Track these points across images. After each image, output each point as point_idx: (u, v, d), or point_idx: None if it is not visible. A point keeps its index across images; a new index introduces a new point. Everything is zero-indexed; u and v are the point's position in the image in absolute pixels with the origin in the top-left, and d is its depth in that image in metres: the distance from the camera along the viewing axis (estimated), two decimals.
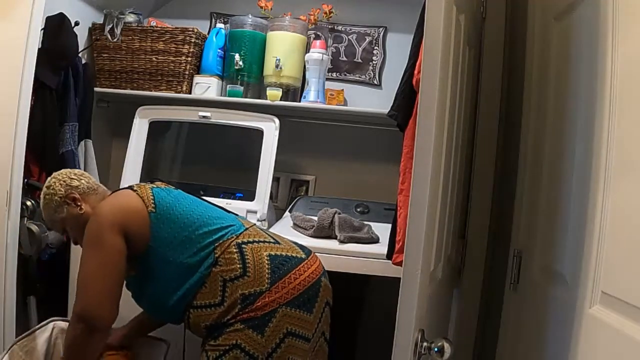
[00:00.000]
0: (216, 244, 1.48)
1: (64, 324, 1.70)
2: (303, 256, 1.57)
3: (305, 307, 1.48)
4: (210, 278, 1.46)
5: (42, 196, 1.59)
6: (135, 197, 1.51)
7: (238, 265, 1.46)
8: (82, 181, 1.59)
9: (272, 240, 1.58)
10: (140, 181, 2.33)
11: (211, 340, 1.46)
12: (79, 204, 1.55)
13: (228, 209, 1.71)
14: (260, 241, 1.54)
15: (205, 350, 1.47)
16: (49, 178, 1.61)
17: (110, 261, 1.44)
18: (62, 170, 1.63)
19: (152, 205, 1.49)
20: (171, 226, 1.48)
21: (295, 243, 1.64)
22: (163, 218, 1.48)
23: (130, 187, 1.56)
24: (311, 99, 2.36)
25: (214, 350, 1.44)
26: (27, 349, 1.59)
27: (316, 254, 1.65)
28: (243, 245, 1.50)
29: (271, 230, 2.04)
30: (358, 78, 2.58)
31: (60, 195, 1.55)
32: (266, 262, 1.48)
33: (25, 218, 1.87)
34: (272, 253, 1.51)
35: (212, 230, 1.50)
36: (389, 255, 1.58)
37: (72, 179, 1.58)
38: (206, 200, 1.66)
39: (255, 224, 1.66)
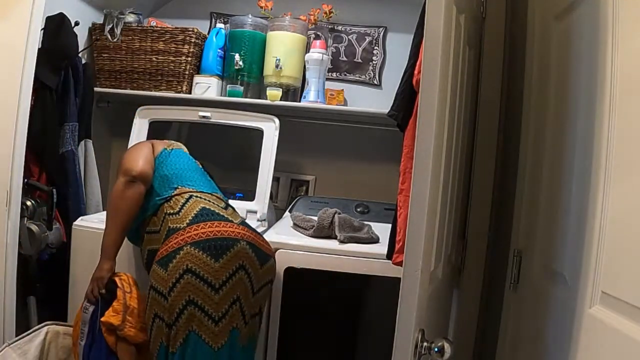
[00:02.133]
0: (177, 187, 1.77)
1: (58, 328, 1.71)
2: (234, 221, 1.73)
3: (210, 252, 1.60)
4: (159, 210, 1.73)
5: None
6: (150, 145, 1.90)
7: (178, 207, 1.72)
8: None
9: (223, 205, 1.80)
10: None
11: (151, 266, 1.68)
12: None
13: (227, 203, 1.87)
14: (208, 201, 1.76)
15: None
16: None
17: (149, 154, 1.83)
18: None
19: (158, 152, 1.85)
20: (162, 170, 1.80)
21: (246, 225, 1.79)
22: (161, 163, 1.82)
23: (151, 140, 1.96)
24: (311, 99, 2.36)
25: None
26: (21, 351, 1.59)
27: (317, 253, 1.65)
28: (192, 197, 1.75)
29: (271, 230, 2.04)
30: (358, 78, 2.58)
31: None
32: (197, 210, 1.70)
33: (25, 218, 1.87)
34: (207, 207, 1.73)
35: (183, 183, 1.79)
36: (389, 255, 1.58)
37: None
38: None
39: (233, 210, 1.86)
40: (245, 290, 1.65)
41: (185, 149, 1.97)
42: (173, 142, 1.95)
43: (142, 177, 1.73)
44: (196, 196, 1.76)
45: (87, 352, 1.65)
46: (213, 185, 1.92)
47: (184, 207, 1.71)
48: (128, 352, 1.66)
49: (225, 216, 1.73)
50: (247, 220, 2.18)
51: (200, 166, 1.96)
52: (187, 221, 1.66)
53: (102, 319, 1.63)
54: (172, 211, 1.71)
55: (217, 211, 1.73)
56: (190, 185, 1.80)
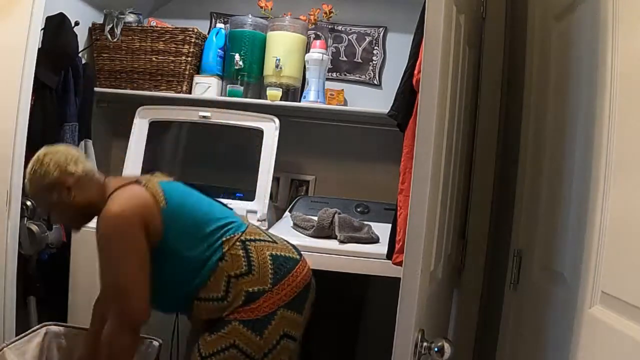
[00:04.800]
0: (223, 239, 1.49)
1: (56, 329, 1.71)
2: (298, 257, 1.59)
3: (298, 308, 1.51)
4: (216, 272, 1.46)
5: (30, 169, 1.45)
6: (147, 193, 1.46)
7: (243, 263, 1.48)
8: (79, 167, 1.47)
9: (270, 239, 1.59)
10: None
11: (207, 335, 1.47)
12: (72, 192, 1.45)
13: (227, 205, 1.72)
14: (262, 240, 1.56)
15: (201, 344, 1.47)
16: (43, 151, 1.47)
17: (146, 262, 1.40)
18: (60, 148, 1.50)
19: (163, 200, 1.46)
20: (182, 222, 1.47)
21: (288, 242, 1.65)
22: (174, 214, 1.46)
23: (137, 182, 1.49)
24: (311, 99, 2.36)
25: (210, 346, 1.45)
26: (19, 351, 1.59)
27: (317, 253, 1.65)
28: (247, 243, 1.51)
29: (271, 230, 2.04)
30: (358, 78, 2.58)
31: (53, 179, 1.43)
32: (269, 261, 1.50)
33: (25, 218, 1.87)
34: (274, 253, 1.53)
35: (220, 227, 1.51)
36: (389, 255, 1.58)
37: (68, 163, 1.46)
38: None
39: (251, 223, 1.66)
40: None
41: (167, 178, 1.59)
42: (150, 184, 1.49)
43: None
44: (248, 240, 1.52)
45: None
46: (229, 209, 1.65)
47: (252, 262, 1.48)
48: None
49: (289, 255, 1.56)
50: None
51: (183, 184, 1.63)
52: (270, 281, 1.48)
53: None
54: (239, 271, 1.47)
55: (283, 254, 1.55)
56: (228, 227, 1.52)
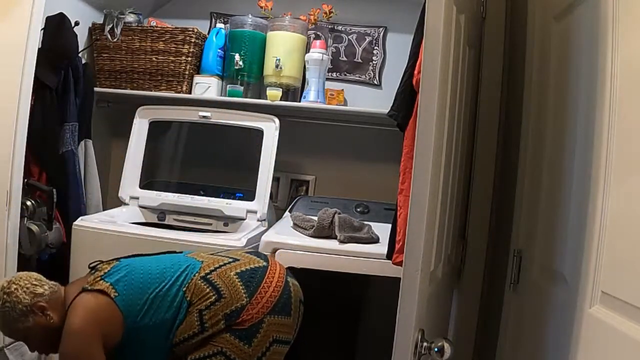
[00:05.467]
0: (184, 289, 1.48)
1: None
2: (265, 264, 1.59)
3: (284, 311, 1.52)
4: (187, 317, 1.46)
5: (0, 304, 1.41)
6: (98, 297, 1.43)
7: (211, 294, 1.47)
8: (45, 287, 1.45)
9: (230, 260, 1.58)
10: (140, 181, 2.33)
11: (194, 350, 1.47)
12: (47, 312, 1.42)
13: (170, 249, 1.71)
14: (221, 265, 1.55)
15: (189, 356, 1.48)
16: (5, 283, 1.43)
17: None
18: (20, 275, 1.48)
19: (114, 291, 1.43)
20: (138, 297, 1.45)
21: (251, 252, 1.65)
22: (128, 296, 1.44)
23: (84, 289, 1.45)
24: (311, 99, 2.36)
25: (199, 350, 1.46)
26: (18, 352, 1.59)
27: (317, 253, 1.65)
28: (208, 276, 1.51)
29: (271, 230, 2.04)
30: (358, 78, 2.58)
31: (26, 304, 1.40)
32: (236, 280, 1.51)
33: (25, 218, 1.87)
34: (238, 270, 1.54)
35: (175, 281, 1.49)
36: (389, 255, 1.58)
37: (35, 285, 1.44)
38: (148, 253, 1.63)
39: (206, 253, 1.63)
40: (301, 318, 1.62)
41: (107, 266, 1.53)
42: (94, 282, 1.46)
43: None
44: (207, 274, 1.51)
45: None
46: (177, 254, 1.64)
47: (219, 289, 1.48)
48: None
49: (259, 266, 1.56)
50: (247, 220, 2.20)
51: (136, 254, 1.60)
52: (245, 296, 1.48)
53: None
54: (209, 302, 1.46)
55: (248, 267, 1.55)
56: (183, 276, 1.50)
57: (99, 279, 1.47)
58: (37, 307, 1.41)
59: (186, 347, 1.48)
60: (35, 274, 1.49)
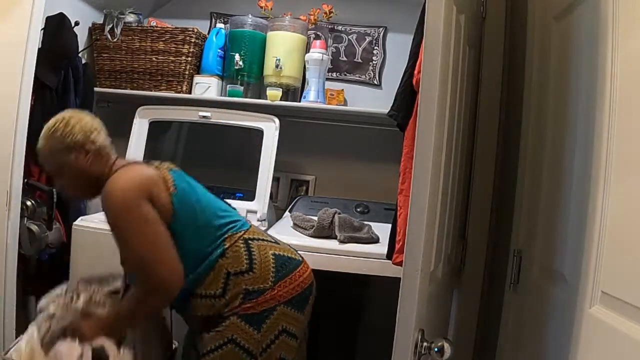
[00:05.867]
0: (226, 236, 1.48)
1: None
2: (300, 259, 1.60)
3: (299, 307, 1.51)
4: (215, 269, 1.45)
5: (52, 126, 1.47)
6: (156, 173, 1.45)
7: (245, 260, 1.47)
8: (100, 139, 1.51)
9: (273, 240, 1.60)
10: None
11: (205, 333, 1.46)
12: (90, 157, 1.47)
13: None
14: (264, 239, 1.56)
15: (198, 342, 1.48)
16: (69, 113, 1.50)
17: (161, 229, 1.39)
18: (85, 115, 1.52)
19: (173, 187, 1.44)
20: (189, 212, 1.45)
21: (289, 245, 1.65)
22: (182, 202, 1.44)
23: (148, 163, 1.50)
24: (311, 99, 2.36)
25: (208, 343, 1.45)
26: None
27: (317, 253, 1.65)
28: (250, 242, 1.51)
29: (271, 230, 2.04)
30: (358, 78, 2.58)
31: (76, 140, 1.45)
32: (271, 260, 1.50)
33: (25, 218, 1.87)
34: (277, 252, 1.53)
35: (224, 223, 1.50)
36: (389, 255, 1.58)
37: (93, 131, 1.49)
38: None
39: (253, 224, 1.65)
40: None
41: (175, 167, 1.58)
42: (161, 168, 1.51)
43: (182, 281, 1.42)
44: (250, 239, 1.51)
45: None
46: (232, 208, 1.63)
47: (253, 260, 1.47)
48: None
49: (292, 256, 1.56)
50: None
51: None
52: (272, 279, 1.47)
53: None
54: (240, 269, 1.45)
55: (286, 254, 1.55)
56: (231, 225, 1.51)
57: (165, 167, 1.50)
58: (84, 148, 1.46)
59: (201, 306, 1.46)
60: (98, 123, 1.54)
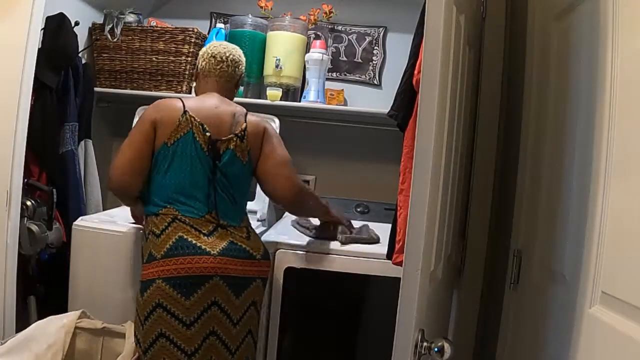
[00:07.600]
0: (167, 206, 1.64)
1: None
2: (210, 252, 1.60)
3: (180, 290, 1.57)
4: (148, 219, 1.68)
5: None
6: (183, 118, 1.67)
7: (160, 230, 1.63)
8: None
9: (201, 240, 1.62)
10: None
11: None
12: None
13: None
14: (191, 228, 1.63)
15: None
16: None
17: (136, 138, 1.67)
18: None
19: (173, 140, 1.65)
20: (160, 165, 1.66)
21: (228, 250, 1.63)
22: (163, 155, 1.65)
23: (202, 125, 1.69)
24: (311, 99, 2.36)
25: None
26: None
27: (318, 253, 1.62)
28: (174, 222, 1.63)
29: (271, 230, 2.04)
30: (358, 78, 2.58)
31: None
32: (173, 240, 1.60)
33: (25, 218, 1.87)
34: (184, 236, 1.61)
35: (173, 199, 1.65)
36: (389, 255, 1.58)
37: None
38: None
39: (224, 230, 1.67)
40: (222, 324, 1.61)
41: (203, 126, 1.68)
42: (191, 116, 1.68)
43: (120, 190, 1.72)
44: (179, 220, 1.63)
45: None
46: (209, 201, 1.67)
47: (164, 233, 1.61)
48: None
49: (203, 248, 1.60)
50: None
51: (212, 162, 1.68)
52: (162, 252, 1.58)
53: None
54: (155, 231, 1.63)
55: (194, 242, 1.60)
56: (179, 206, 1.64)
57: (199, 125, 1.69)
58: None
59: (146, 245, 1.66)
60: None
